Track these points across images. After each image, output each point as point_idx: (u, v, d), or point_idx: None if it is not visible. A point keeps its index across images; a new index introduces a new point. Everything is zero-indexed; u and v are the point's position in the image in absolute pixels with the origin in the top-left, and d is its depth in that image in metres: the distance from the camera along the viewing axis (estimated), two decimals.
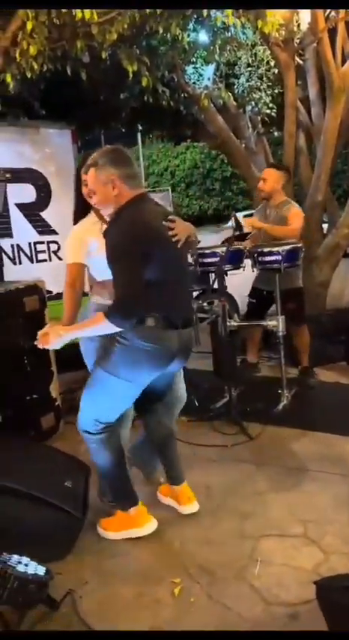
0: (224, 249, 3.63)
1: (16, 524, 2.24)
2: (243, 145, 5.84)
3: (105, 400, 2.37)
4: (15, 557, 1.98)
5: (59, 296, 4.72)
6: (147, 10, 3.35)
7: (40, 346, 2.30)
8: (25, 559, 2.01)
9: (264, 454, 3.15)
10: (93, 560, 2.33)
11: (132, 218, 2.21)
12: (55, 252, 5.61)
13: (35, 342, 2.31)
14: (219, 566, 2.21)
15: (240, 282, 4.38)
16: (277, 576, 2.12)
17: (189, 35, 4.50)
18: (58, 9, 3.23)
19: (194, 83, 5.38)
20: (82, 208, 2.58)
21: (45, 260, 5.54)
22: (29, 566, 1.98)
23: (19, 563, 1.97)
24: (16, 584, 1.87)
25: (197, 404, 3.74)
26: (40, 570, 1.99)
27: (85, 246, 2.45)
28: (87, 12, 3.23)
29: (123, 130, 7.91)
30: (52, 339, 2.25)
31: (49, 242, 5.54)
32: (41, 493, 2.30)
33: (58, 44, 3.68)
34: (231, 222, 3.83)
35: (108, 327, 2.15)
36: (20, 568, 1.95)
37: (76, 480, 2.55)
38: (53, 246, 5.58)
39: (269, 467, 2.98)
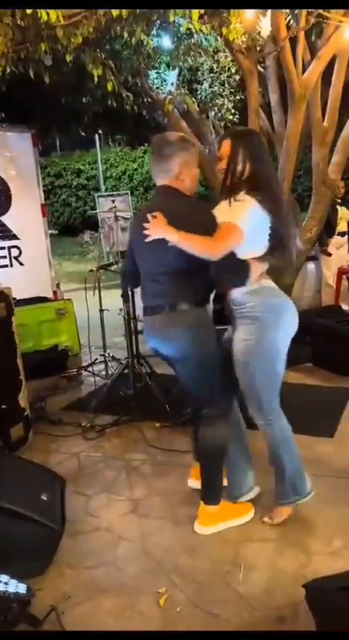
0: None
1: None
2: (207, 151, 5.88)
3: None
4: None
5: (24, 302, 4.66)
6: (114, 14, 3.32)
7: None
8: (4, 577, 1.93)
9: None
10: (73, 574, 2.27)
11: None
12: (16, 258, 5.50)
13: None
14: (203, 573, 2.20)
15: None
16: (261, 581, 2.12)
17: (153, 40, 4.50)
18: (24, 9, 3.15)
19: (157, 88, 5.38)
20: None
21: (6, 266, 5.42)
22: (10, 585, 1.91)
23: None
24: None
25: (168, 409, 3.73)
26: (21, 588, 1.93)
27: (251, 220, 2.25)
28: (52, 14, 3.18)
29: (83, 134, 7.85)
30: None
31: (9, 247, 5.44)
32: (18, 507, 2.23)
33: (21, 46, 3.61)
34: None
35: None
36: (0, 587, 1.88)
37: (51, 491, 2.49)
38: (14, 252, 5.47)
39: None
